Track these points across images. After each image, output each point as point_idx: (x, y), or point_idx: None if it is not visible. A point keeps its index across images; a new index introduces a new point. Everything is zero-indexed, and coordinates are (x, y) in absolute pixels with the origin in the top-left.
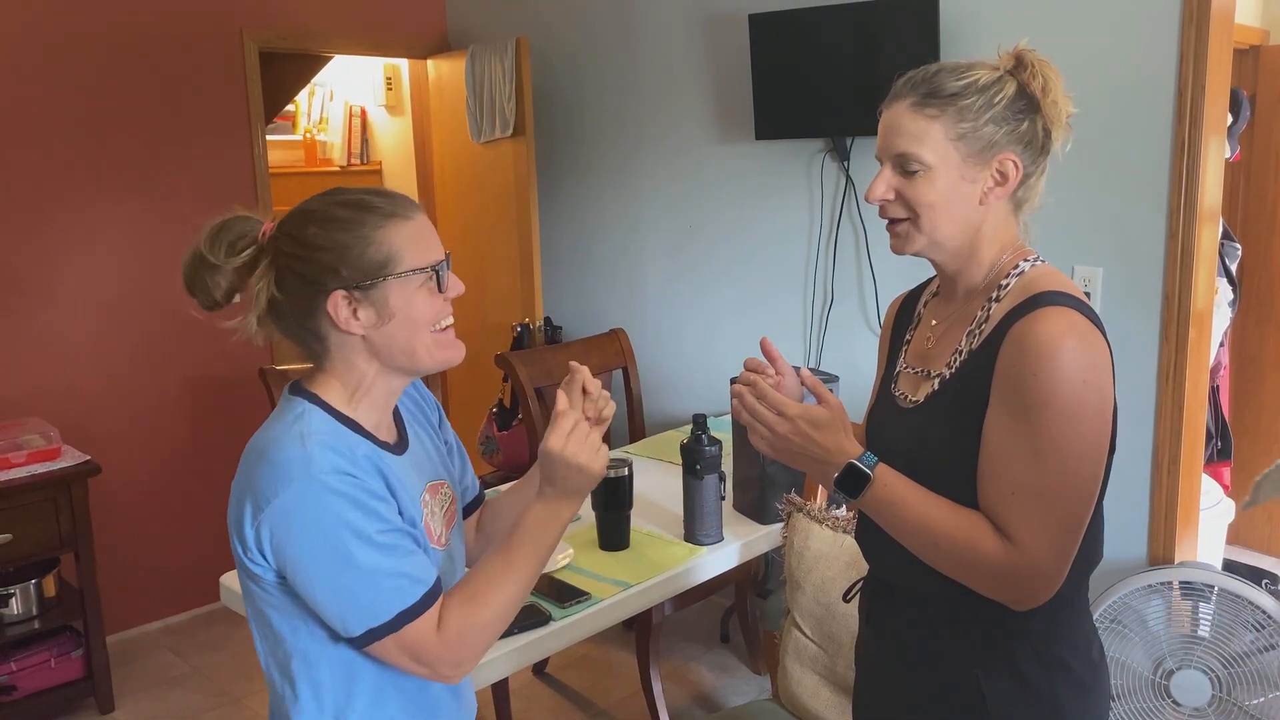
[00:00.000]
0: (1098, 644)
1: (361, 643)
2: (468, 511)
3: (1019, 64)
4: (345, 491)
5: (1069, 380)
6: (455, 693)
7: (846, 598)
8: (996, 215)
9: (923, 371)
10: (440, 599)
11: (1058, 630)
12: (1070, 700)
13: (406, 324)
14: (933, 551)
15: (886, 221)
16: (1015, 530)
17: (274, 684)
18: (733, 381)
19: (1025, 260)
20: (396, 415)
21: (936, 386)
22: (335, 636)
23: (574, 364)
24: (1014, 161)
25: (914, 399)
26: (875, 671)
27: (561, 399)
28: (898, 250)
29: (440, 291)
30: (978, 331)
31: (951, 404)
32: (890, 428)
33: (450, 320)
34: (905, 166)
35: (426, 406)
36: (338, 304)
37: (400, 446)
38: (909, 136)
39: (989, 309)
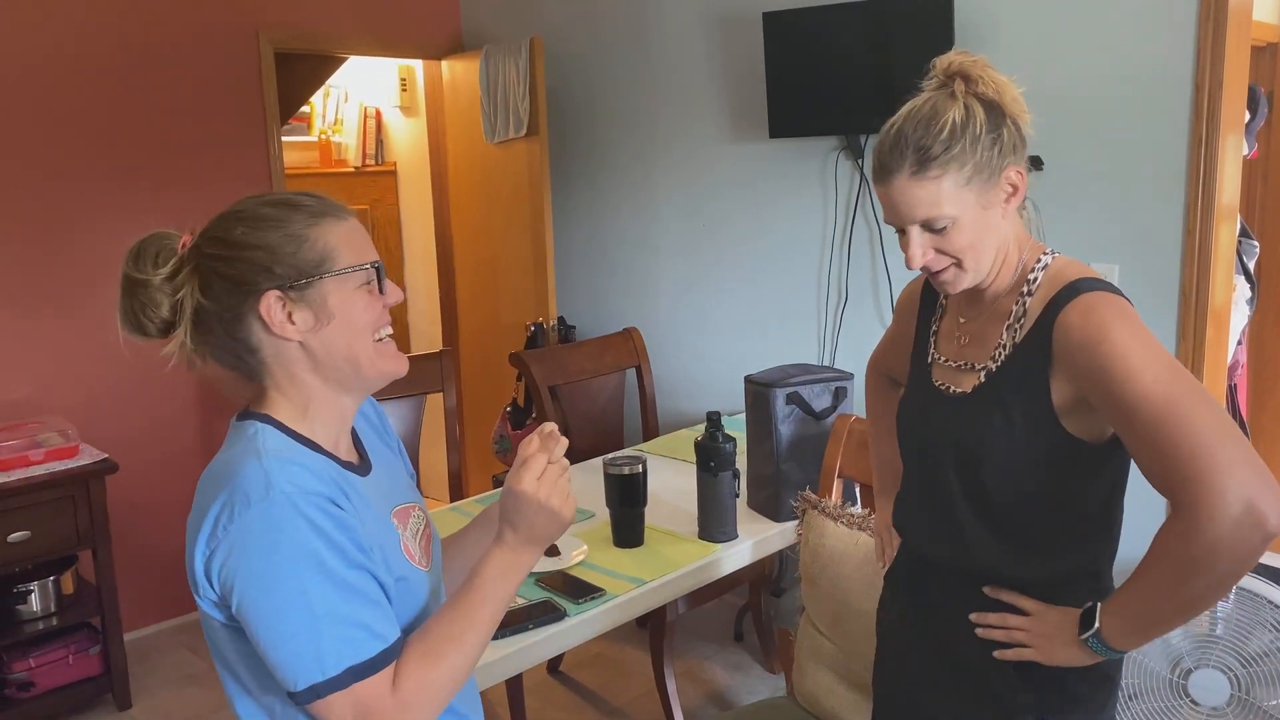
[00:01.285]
0: None
1: (304, 700)
2: None
3: (967, 79)
4: (311, 516)
5: (1131, 331)
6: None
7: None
8: (1009, 217)
9: (965, 364)
10: (397, 658)
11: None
12: (1113, 668)
13: (346, 328)
14: (1193, 601)
15: (929, 273)
16: (1175, 479)
17: (240, 709)
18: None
19: (1045, 254)
20: (355, 437)
21: (983, 379)
22: None
23: (547, 426)
24: (1017, 170)
25: (959, 390)
26: (913, 648)
27: (532, 442)
28: (952, 291)
29: (380, 294)
30: (1018, 326)
31: (1003, 394)
32: (936, 416)
33: (390, 330)
34: (934, 227)
35: (382, 429)
36: (270, 305)
37: (363, 468)
38: (925, 204)
39: (1024, 303)
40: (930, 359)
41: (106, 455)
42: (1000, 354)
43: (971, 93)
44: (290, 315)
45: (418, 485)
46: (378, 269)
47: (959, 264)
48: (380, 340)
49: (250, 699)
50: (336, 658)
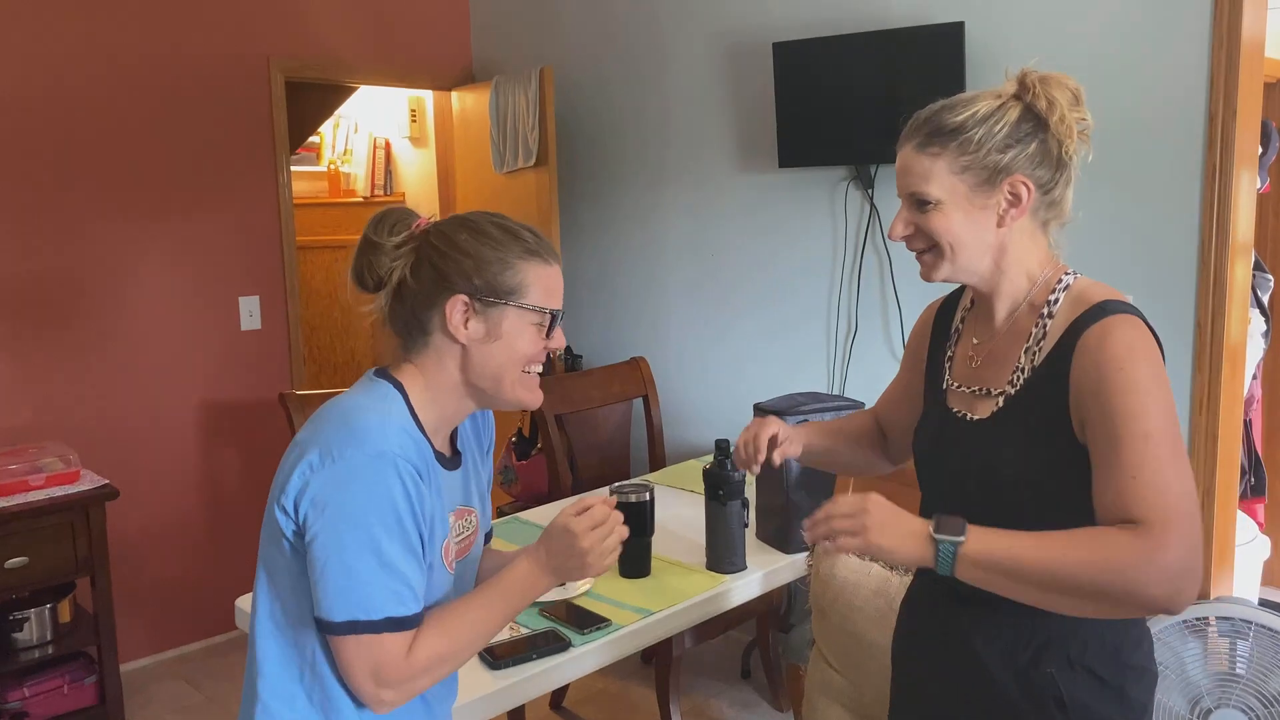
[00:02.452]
0: (1151, 641)
1: (338, 630)
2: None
3: (1021, 87)
4: (405, 479)
5: (1152, 377)
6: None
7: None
8: (1021, 234)
9: (980, 390)
10: (408, 634)
11: (1127, 631)
12: (1141, 697)
13: (506, 350)
14: (1061, 587)
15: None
16: (1145, 508)
17: (261, 651)
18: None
19: (1067, 274)
20: (454, 432)
21: (1001, 404)
22: None
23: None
24: (1024, 183)
25: (976, 416)
26: (934, 678)
27: (609, 502)
28: (926, 277)
29: (547, 338)
30: (1037, 348)
31: (1023, 419)
32: (955, 445)
33: (540, 368)
34: (919, 201)
35: (484, 433)
36: (456, 307)
37: (453, 462)
38: (917, 176)
39: (1044, 324)
40: (945, 385)
41: (107, 481)
42: (1019, 378)
43: (1018, 97)
44: (467, 321)
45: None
46: (554, 316)
47: (936, 250)
48: (528, 373)
49: (280, 639)
50: (383, 604)
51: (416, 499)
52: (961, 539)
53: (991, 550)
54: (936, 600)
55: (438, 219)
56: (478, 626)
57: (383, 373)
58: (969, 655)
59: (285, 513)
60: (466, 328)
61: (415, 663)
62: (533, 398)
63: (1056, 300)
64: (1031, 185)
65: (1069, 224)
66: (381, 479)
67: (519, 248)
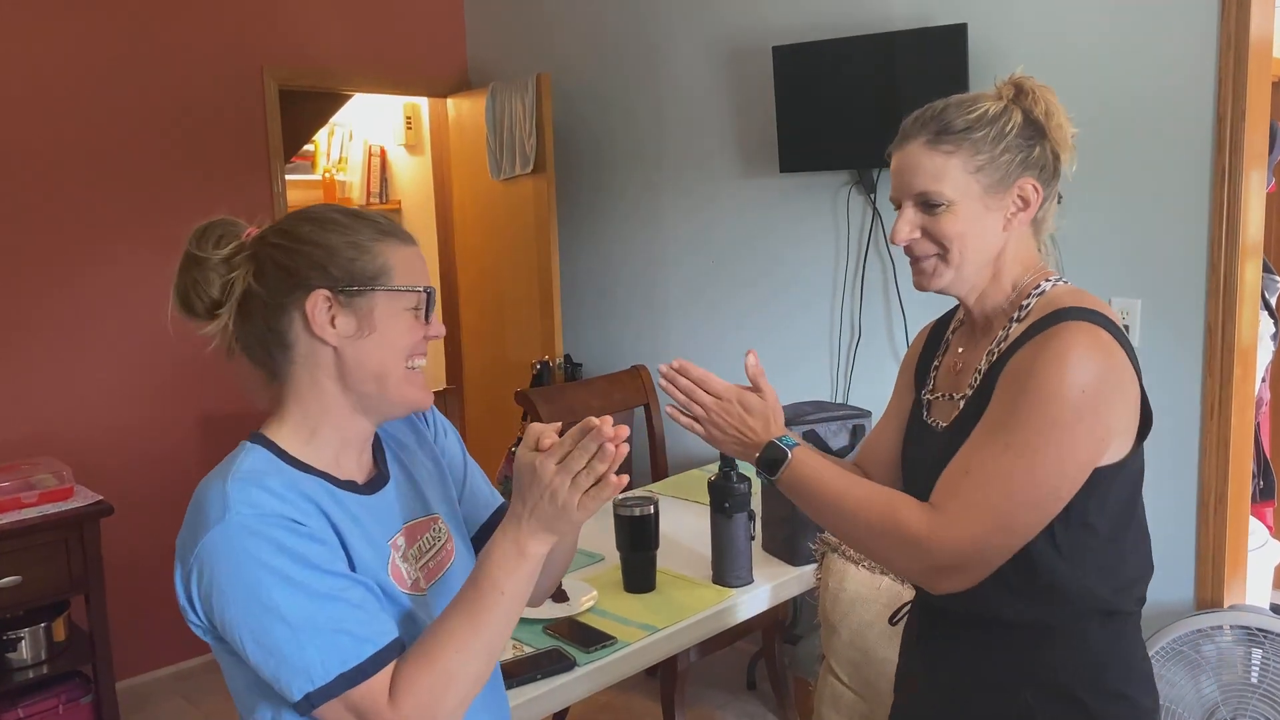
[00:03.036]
0: (1150, 670)
1: (302, 709)
2: (485, 531)
3: (1019, 92)
4: (267, 533)
5: (1068, 387)
6: None
7: (893, 620)
8: (1016, 239)
9: (947, 395)
10: (394, 661)
11: (1117, 659)
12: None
13: (384, 344)
14: (851, 522)
15: (911, 259)
16: (949, 501)
17: None
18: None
19: (1046, 280)
20: (376, 449)
21: (960, 408)
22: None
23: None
24: (1033, 185)
25: (942, 424)
26: (923, 697)
27: (583, 426)
28: (922, 286)
29: (425, 322)
30: (996, 350)
31: (972, 424)
32: (924, 453)
33: (423, 362)
34: (928, 203)
35: (421, 428)
36: (317, 304)
37: (371, 485)
38: (927, 175)
39: (1009, 328)
40: (925, 394)
41: (101, 497)
42: (977, 379)
43: (1017, 102)
44: (333, 318)
45: (466, 471)
46: (429, 295)
47: (943, 255)
48: (411, 369)
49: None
50: (324, 666)
51: (300, 538)
52: (774, 478)
53: (796, 485)
54: (923, 624)
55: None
56: (468, 638)
57: (253, 435)
58: (949, 681)
59: (195, 623)
60: (334, 325)
61: (403, 705)
62: (421, 396)
63: (1028, 305)
64: (1040, 189)
65: (1070, 231)
66: (238, 547)
67: (370, 229)
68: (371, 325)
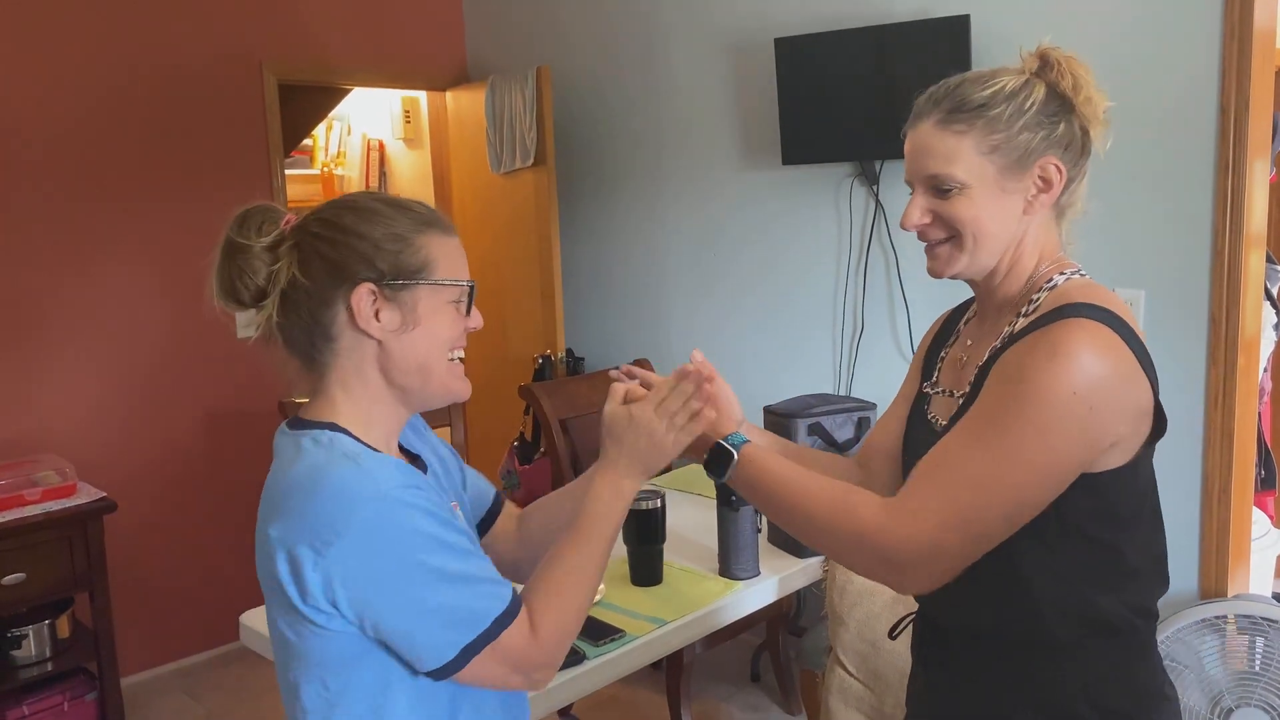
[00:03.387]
0: (1163, 689)
1: (458, 664)
2: (489, 521)
3: (1044, 64)
4: (418, 504)
5: (1056, 386)
6: None
7: (893, 635)
8: (1039, 225)
9: (948, 391)
10: (519, 619)
11: (1120, 676)
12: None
13: (427, 337)
14: (805, 517)
15: (925, 244)
16: (911, 493)
17: None
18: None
19: (1062, 273)
20: (402, 446)
21: (959, 407)
22: (399, 688)
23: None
24: (1056, 165)
25: (942, 422)
26: (927, 714)
27: (679, 372)
28: (937, 273)
29: (466, 315)
30: (1000, 347)
31: None
32: (922, 452)
33: (462, 353)
34: (939, 187)
35: (436, 444)
36: (362, 298)
37: (421, 467)
38: (939, 157)
39: (1015, 324)
40: (927, 387)
41: (105, 494)
42: (976, 376)
43: (1041, 75)
44: (378, 312)
45: (457, 467)
46: (471, 289)
47: (956, 240)
48: (452, 360)
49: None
50: (485, 613)
51: (435, 505)
52: (723, 479)
53: (744, 482)
54: (924, 640)
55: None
56: (585, 568)
57: (301, 423)
58: (946, 695)
59: (322, 611)
60: (379, 319)
61: (545, 637)
62: (462, 387)
63: (1038, 299)
64: (1064, 168)
65: (1080, 220)
66: (398, 521)
67: (413, 220)
68: (415, 319)
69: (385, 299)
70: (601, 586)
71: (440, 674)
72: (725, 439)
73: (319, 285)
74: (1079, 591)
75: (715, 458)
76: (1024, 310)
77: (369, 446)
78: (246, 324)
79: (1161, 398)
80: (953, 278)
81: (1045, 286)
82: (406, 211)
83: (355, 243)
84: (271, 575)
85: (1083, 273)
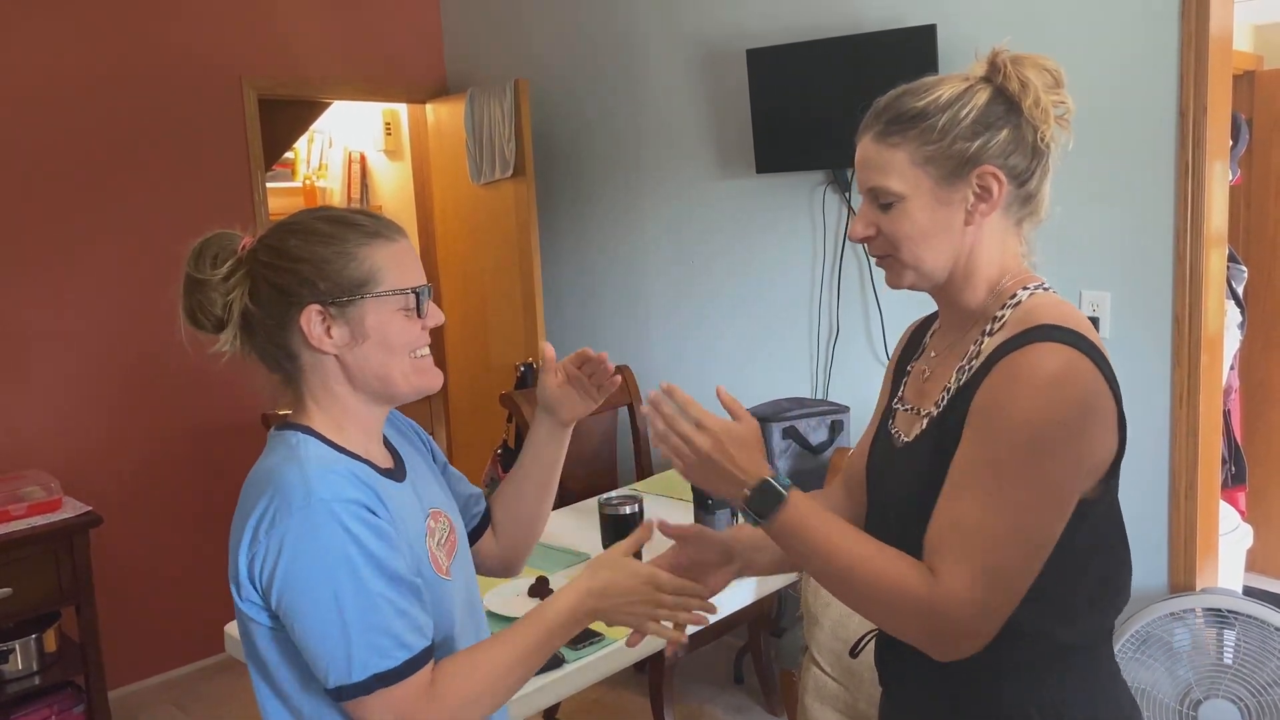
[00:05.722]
0: (1126, 706)
1: (336, 696)
2: (479, 531)
3: (991, 68)
4: (348, 523)
5: (1039, 418)
6: None
7: (854, 653)
8: (992, 234)
9: (914, 409)
10: (431, 664)
11: (1074, 696)
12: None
13: (381, 348)
14: (848, 582)
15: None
16: (941, 562)
17: None
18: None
19: (1025, 288)
20: (387, 442)
21: (925, 425)
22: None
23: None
24: (994, 174)
25: (905, 439)
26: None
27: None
28: (892, 285)
29: (420, 317)
30: (968, 367)
31: (940, 445)
32: (887, 470)
33: (426, 350)
34: (880, 200)
35: (414, 438)
36: (311, 319)
37: (399, 473)
38: (876, 169)
39: (981, 342)
40: (894, 402)
41: (90, 508)
42: (944, 398)
43: (987, 80)
44: (329, 330)
45: (452, 476)
46: (418, 294)
47: (896, 255)
48: (417, 358)
49: (282, 703)
50: (363, 665)
51: (373, 531)
52: (764, 522)
53: (787, 534)
54: (882, 649)
55: (259, 234)
56: (516, 664)
57: (284, 424)
58: (917, 702)
59: (249, 600)
60: (331, 336)
61: (443, 704)
62: (431, 379)
63: (1003, 317)
64: (1003, 177)
65: (1045, 224)
66: (319, 533)
67: (356, 234)
68: (364, 333)
69: (333, 317)
70: None
71: (339, 695)
72: (772, 479)
73: (269, 311)
74: (1036, 620)
75: (761, 495)
76: (988, 328)
77: (342, 449)
78: (221, 350)
79: (1128, 396)
80: (909, 288)
81: (1010, 302)
82: (348, 226)
83: (298, 266)
84: (230, 554)
85: (1047, 287)
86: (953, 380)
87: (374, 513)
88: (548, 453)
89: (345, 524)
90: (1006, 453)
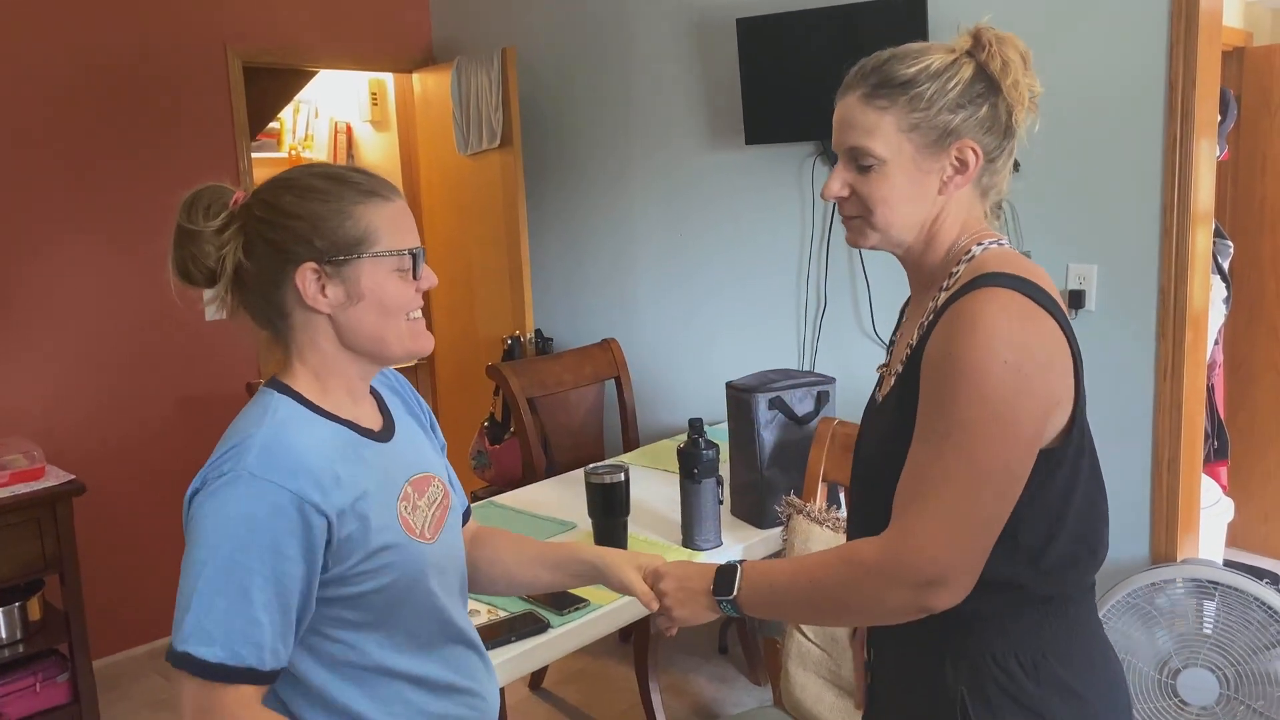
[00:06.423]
0: (1108, 660)
1: (183, 662)
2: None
3: (976, 43)
4: (256, 511)
5: (985, 359)
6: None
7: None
8: (958, 202)
9: (891, 370)
10: (254, 692)
11: (1054, 647)
12: (1065, 717)
13: (376, 309)
14: (820, 591)
15: (842, 216)
16: (902, 513)
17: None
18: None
19: (979, 244)
20: (381, 404)
21: (892, 383)
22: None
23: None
24: (973, 149)
25: (879, 399)
26: (876, 691)
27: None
28: (852, 243)
29: (415, 279)
30: (925, 322)
31: (899, 401)
32: (865, 429)
33: (420, 313)
34: (859, 161)
35: (411, 401)
36: (306, 277)
37: (385, 434)
38: (860, 130)
39: (938, 299)
40: (880, 368)
41: (74, 477)
42: (907, 355)
43: (972, 55)
44: (324, 289)
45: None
46: (414, 256)
47: (868, 217)
48: (411, 320)
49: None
50: (184, 639)
51: (281, 531)
52: (731, 596)
53: (758, 590)
54: None
55: (253, 188)
56: None
57: (269, 381)
58: (893, 673)
59: None
60: (325, 295)
61: None
62: (424, 343)
63: (957, 272)
64: (980, 152)
65: (1026, 199)
66: (228, 501)
67: (352, 192)
68: (360, 292)
69: (329, 276)
70: None
71: (172, 658)
72: (716, 596)
73: (264, 267)
74: (1005, 570)
75: (721, 576)
76: (945, 284)
77: (322, 410)
78: (210, 304)
79: (1112, 369)
80: (871, 248)
81: (964, 259)
82: (345, 184)
83: (294, 224)
84: None
85: (1002, 242)
86: (915, 337)
87: (299, 505)
88: (579, 578)
89: (253, 510)
90: (959, 396)
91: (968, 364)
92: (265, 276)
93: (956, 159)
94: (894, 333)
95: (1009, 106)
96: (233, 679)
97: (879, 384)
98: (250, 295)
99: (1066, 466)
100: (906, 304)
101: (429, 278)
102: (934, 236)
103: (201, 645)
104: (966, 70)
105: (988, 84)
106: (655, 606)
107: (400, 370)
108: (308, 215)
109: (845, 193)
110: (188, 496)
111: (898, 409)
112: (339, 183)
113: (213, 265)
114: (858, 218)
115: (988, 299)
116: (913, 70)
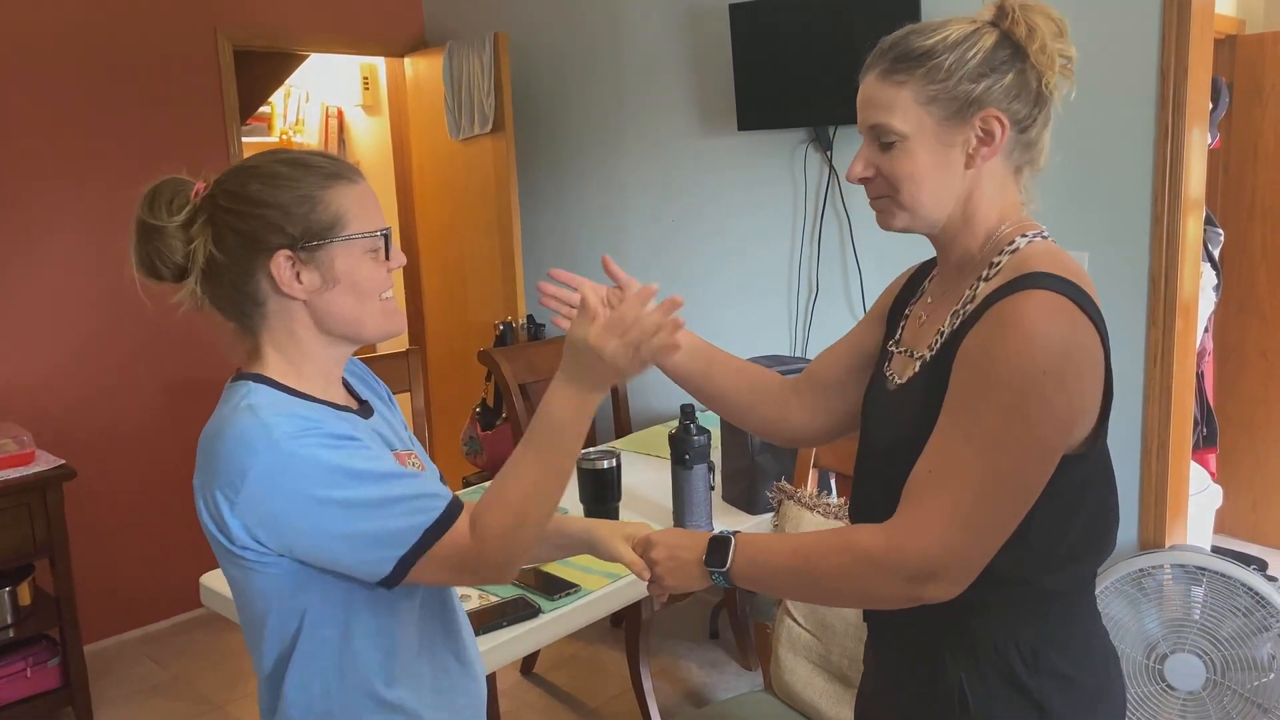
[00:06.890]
0: (1105, 650)
1: (397, 577)
2: None
3: (1000, 12)
4: (312, 446)
5: (1028, 366)
6: (465, 662)
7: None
8: (992, 179)
9: (909, 351)
10: (465, 511)
11: (1054, 637)
12: (1068, 712)
13: (351, 291)
14: (816, 574)
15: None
16: (909, 504)
17: (268, 671)
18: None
19: (1024, 235)
20: (350, 388)
21: (917, 369)
22: (349, 606)
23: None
24: (998, 118)
25: (899, 381)
26: (873, 674)
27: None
28: (883, 226)
29: (386, 259)
30: (961, 311)
31: (927, 389)
32: (879, 413)
33: (391, 293)
34: (881, 139)
35: (370, 380)
36: (280, 265)
37: (365, 411)
38: (879, 107)
39: (976, 288)
40: (889, 345)
41: (64, 462)
42: (937, 342)
43: (994, 24)
44: (299, 275)
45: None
46: (385, 236)
47: (895, 196)
48: (384, 299)
49: (283, 641)
50: (410, 529)
51: (344, 438)
52: (724, 568)
53: (752, 564)
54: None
55: (211, 178)
56: (535, 475)
57: (238, 375)
58: (891, 660)
59: (249, 549)
60: (301, 282)
61: (486, 537)
62: (396, 322)
63: (999, 263)
64: (1006, 121)
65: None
66: (295, 462)
67: (318, 177)
68: (334, 276)
69: (303, 262)
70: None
71: (385, 584)
72: (708, 566)
73: (236, 258)
74: (1013, 566)
75: (714, 546)
76: (984, 274)
77: (299, 393)
78: (182, 299)
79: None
80: (902, 230)
81: (1007, 249)
82: (310, 169)
83: (264, 212)
84: (202, 523)
85: (1046, 235)
86: (946, 324)
87: (336, 430)
88: (567, 550)
89: (316, 443)
90: (992, 399)
91: (1006, 369)
92: (238, 267)
93: (981, 129)
94: (901, 304)
95: (1039, 73)
96: (448, 521)
97: (887, 360)
98: (221, 287)
99: (1084, 470)
100: (915, 274)
101: (399, 257)
102: (970, 216)
103: (403, 544)
104: (989, 39)
105: (1014, 51)
106: (646, 576)
107: (392, 356)
108: (277, 203)
109: (869, 173)
110: (227, 514)
111: (926, 396)
112: (304, 168)
113: (181, 260)
114: (884, 197)
115: (1036, 303)
116: (930, 42)
